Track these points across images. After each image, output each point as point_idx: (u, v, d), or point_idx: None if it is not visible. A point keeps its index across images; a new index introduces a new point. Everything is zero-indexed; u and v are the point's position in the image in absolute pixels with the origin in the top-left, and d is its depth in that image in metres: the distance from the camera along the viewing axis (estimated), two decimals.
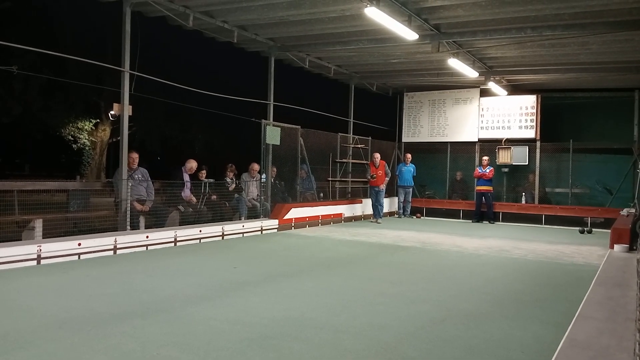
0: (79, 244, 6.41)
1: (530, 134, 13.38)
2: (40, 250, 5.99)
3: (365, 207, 12.78)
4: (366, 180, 12.54)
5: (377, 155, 12.40)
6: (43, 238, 6.47)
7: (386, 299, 4.73)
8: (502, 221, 13.06)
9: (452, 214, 13.79)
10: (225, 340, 3.44)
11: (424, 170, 14.45)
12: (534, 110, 13.36)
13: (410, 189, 13.95)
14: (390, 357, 3.22)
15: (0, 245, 5.77)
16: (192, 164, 9.09)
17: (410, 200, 13.99)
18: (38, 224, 6.49)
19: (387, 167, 12.54)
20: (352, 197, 13.09)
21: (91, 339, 3.39)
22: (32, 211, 6.72)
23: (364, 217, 12.74)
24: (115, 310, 4.11)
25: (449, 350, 3.36)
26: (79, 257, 6.35)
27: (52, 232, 6.64)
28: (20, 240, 6.37)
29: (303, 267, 6.36)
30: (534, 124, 13.35)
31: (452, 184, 14.57)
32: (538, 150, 13.32)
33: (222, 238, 8.53)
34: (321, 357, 3.18)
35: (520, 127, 13.53)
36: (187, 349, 3.26)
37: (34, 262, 5.90)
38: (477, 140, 14.00)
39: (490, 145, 13.74)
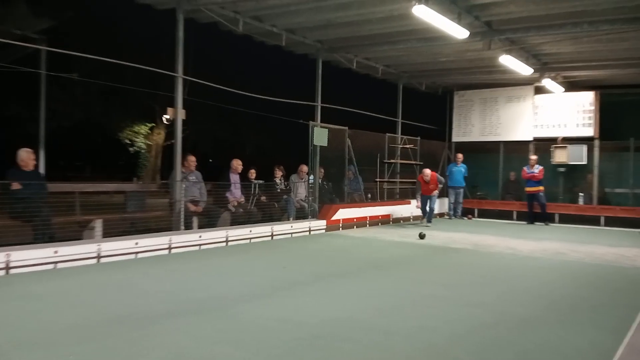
0: (136, 243, 6.67)
1: (588, 132, 12.84)
2: (100, 249, 6.28)
3: (414, 208, 12.63)
4: (414, 181, 12.25)
5: (427, 172, 11.47)
6: (102, 237, 6.77)
7: (437, 302, 4.67)
8: (558, 223, 12.60)
9: (505, 215, 13.40)
10: (276, 339, 3.50)
11: (476, 171, 14.10)
12: (592, 108, 12.82)
13: (462, 190, 13.66)
14: (430, 357, 3.18)
15: (63, 245, 6.09)
16: (237, 163, 9.21)
17: (461, 201, 13.71)
18: (98, 224, 6.79)
19: (439, 177, 11.91)
20: (401, 198, 12.97)
21: (148, 335, 3.53)
22: (92, 212, 7.05)
23: (413, 219, 12.59)
24: (171, 307, 4.25)
25: (502, 355, 3.29)
26: (136, 256, 6.61)
27: (111, 232, 6.94)
28: (81, 239, 6.69)
29: (352, 268, 6.37)
30: (592, 121, 12.81)
31: (505, 184, 14.17)
32: (597, 149, 12.75)
33: (272, 238, 8.66)
34: (370, 359, 3.18)
35: (577, 125, 13.01)
36: (240, 346, 3.34)
37: (94, 260, 6.19)
38: (531, 139, 13.56)
39: (545, 145, 13.27)
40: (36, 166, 6.96)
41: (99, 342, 3.37)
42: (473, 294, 5.04)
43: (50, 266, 5.77)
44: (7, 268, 5.44)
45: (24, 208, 6.16)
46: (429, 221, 11.72)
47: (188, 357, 3.13)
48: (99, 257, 6.25)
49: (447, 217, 13.86)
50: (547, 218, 12.33)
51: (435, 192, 11.74)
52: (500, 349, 3.41)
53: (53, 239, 6.38)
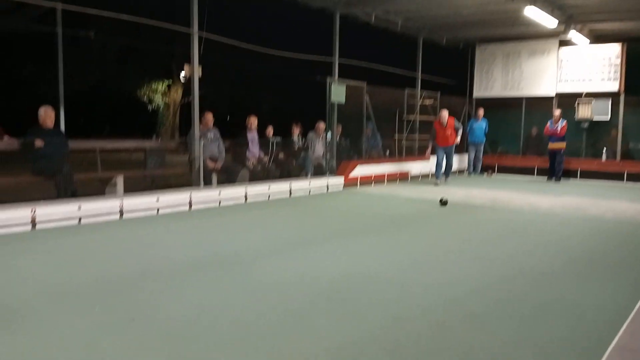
0: (157, 200, 6.78)
1: (614, 86, 12.44)
2: (122, 205, 6.40)
3: (433, 164, 12.50)
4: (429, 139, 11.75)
5: (445, 114, 10.92)
6: (124, 194, 6.89)
7: (454, 257, 4.69)
8: (580, 178, 12.42)
9: (525, 171, 13.23)
10: (295, 293, 3.57)
11: (497, 126, 13.84)
12: (619, 61, 12.37)
13: (482, 146, 13.47)
14: (458, 313, 3.22)
15: (86, 200, 6.22)
16: (252, 120, 9.16)
17: (481, 157, 13.54)
18: (119, 181, 6.91)
19: (457, 122, 11.22)
20: (419, 154, 12.87)
21: (171, 288, 3.63)
22: (113, 169, 7.16)
23: (432, 175, 12.51)
24: (192, 262, 4.35)
25: (518, 308, 3.31)
26: (157, 212, 6.73)
27: (132, 189, 7.06)
28: (104, 195, 6.82)
29: (370, 225, 6.41)
30: (618, 75, 12.39)
31: (526, 140, 13.94)
32: (622, 104, 12.38)
33: (290, 195, 8.72)
34: (388, 311, 3.23)
35: (603, 80, 12.60)
36: (259, 299, 3.42)
37: (117, 216, 6.32)
38: (554, 94, 13.22)
39: (569, 100, 12.93)
40: (56, 124, 7.04)
41: (123, 294, 3.47)
42: (491, 249, 5.04)
43: (75, 221, 5.91)
44: (33, 223, 5.59)
45: (46, 165, 6.28)
46: (447, 176, 11.19)
47: (209, 309, 3.21)
48: (121, 212, 6.37)
49: (467, 173, 13.76)
50: (560, 175, 12.03)
51: (455, 143, 10.97)
52: (517, 303, 3.43)
53: (75, 195, 6.53)
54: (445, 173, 11.24)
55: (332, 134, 10.39)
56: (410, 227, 6.29)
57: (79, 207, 5.99)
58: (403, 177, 11.78)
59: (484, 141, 13.44)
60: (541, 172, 12.81)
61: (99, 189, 6.97)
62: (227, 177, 8.41)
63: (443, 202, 7.67)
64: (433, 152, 11.27)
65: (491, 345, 2.73)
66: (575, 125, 12.59)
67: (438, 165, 11.16)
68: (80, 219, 5.97)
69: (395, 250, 4.95)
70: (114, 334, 2.79)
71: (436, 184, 10.89)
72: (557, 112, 12.12)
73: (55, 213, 5.79)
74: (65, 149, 6.80)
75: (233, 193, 7.82)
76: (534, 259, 4.66)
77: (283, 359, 2.51)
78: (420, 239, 5.49)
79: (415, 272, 4.15)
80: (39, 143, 6.42)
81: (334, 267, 4.26)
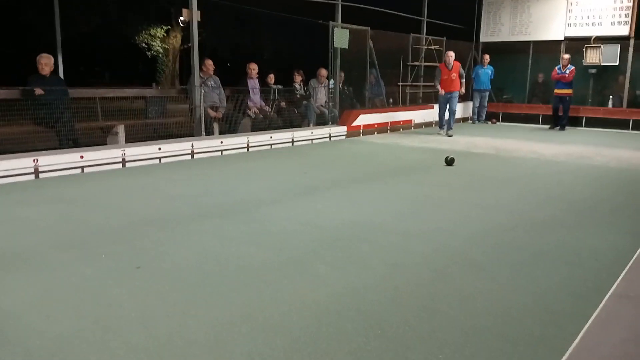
0: (159, 149, 6.78)
1: (624, 30, 12.10)
2: (125, 154, 6.40)
3: (437, 112, 12.36)
4: (432, 85, 11.40)
5: (451, 55, 10.44)
6: (126, 143, 6.88)
7: (456, 205, 4.71)
8: (585, 126, 12.31)
9: (530, 119, 13.12)
10: (297, 240, 3.62)
11: (503, 73, 13.60)
12: (630, 4, 11.97)
13: (487, 93, 13.29)
14: (458, 260, 3.27)
15: (88, 150, 6.22)
16: (252, 67, 8.99)
17: (486, 105, 13.39)
18: (121, 130, 6.87)
19: (462, 69, 10.68)
20: (424, 102, 12.72)
21: (176, 236, 3.68)
22: (114, 117, 7.11)
23: (436, 124, 12.41)
24: (195, 210, 4.39)
25: (518, 256, 3.35)
26: (159, 161, 6.74)
27: (133, 138, 7.03)
28: (106, 144, 6.81)
29: (372, 174, 6.41)
30: (629, 19, 12.02)
31: (532, 87, 13.72)
32: (631, 49, 12.07)
33: (292, 144, 8.69)
34: (389, 258, 3.28)
35: (613, 24, 12.24)
36: (263, 246, 3.47)
37: (120, 165, 6.34)
38: (563, 38, 12.88)
39: (577, 44, 12.61)
40: (56, 72, 6.93)
41: (128, 242, 3.52)
42: (492, 197, 5.06)
43: (77, 171, 5.94)
44: (37, 172, 5.61)
45: (47, 114, 6.23)
46: (450, 128, 10.54)
47: (213, 256, 3.26)
48: (124, 162, 6.38)
49: (471, 121, 13.64)
50: (565, 123, 11.90)
51: (459, 90, 10.39)
52: (517, 250, 3.47)
53: (77, 144, 6.52)
54: (447, 123, 10.65)
55: (334, 82, 10.23)
56: (412, 175, 6.30)
57: (82, 156, 6.00)
58: (407, 126, 11.70)
59: (490, 88, 13.24)
60: (546, 120, 12.70)
61: (100, 138, 6.95)
62: (229, 126, 8.36)
63: (448, 161, 6.87)
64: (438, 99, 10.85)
65: (490, 291, 2.78)
66: (582, 71, 12.35)
67: (440, 115, 10.82)
68: (83, 168, 5.98)
69: (397, 199, 4.98)
70: (121, 281, 2.85)
71: (439, 134, 10.62)
72: (566, 56, 11.83)
73: (58, 162, 5.80)
74: (66, 97, 6.73)
75: (235, 142, 7.80)
76: (535, 207, 4.68)
77: (286, 304, 2.57)
78: (422, 188, 5.51)
79: (415, 220, 4.19)
80: (38, 91, 6.35)
81: (335, 215, 4.29)
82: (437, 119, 11.48)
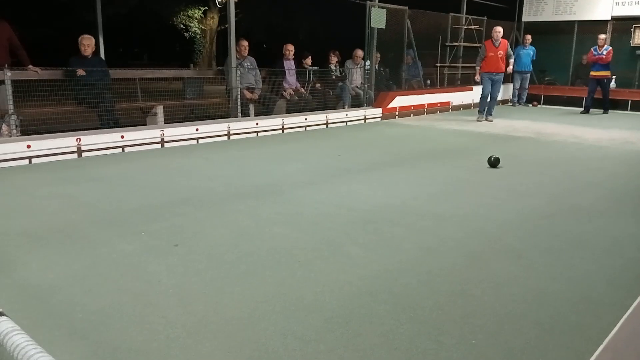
0: (197, 130, 6.88)
1: None
2: (164, 134, 6.53)
3: (476, 94, 12.07)
4: (474, 66, 10.86)
5: (499, 30, 9.54)
6: (165, 123, 7.01)
7: (492, 191, 4.63)
8: (630, 110, 11.83)
9: (573, 102, 12.67)
10: (331, 222, 3.64)
11: (545, 54, 13.13)
12: None
13: (528, 75, 12.89)
14: (493, 247, 3.22)
15: (129, 130, 6.37)
16: (289, 48, 8.95)
17: (527, 87, 13.00)
18: (159, 110, 7.01)
19: (510, 49, 9.92)
20: (462, 84, 12.45)
21: (212, 215, 3.75)
22: (153, 98, 7.25)
23: (474, 106, 12.14)
24: (231, 191, 4.46)
25: (556, 244, 3.28)
26: (197, 142, 6.85)
27: (171, 118, 7.16)
28: (145, 125, 6.96)
29: (406, 157, 6.36)
30: None
31: (575, 69, 13.23)
32: None
33: (327, 126, 8.68)
34: (422, 242, 3.27)
35: None
36: (296, 227, 3.50)
37: (159, 145, 6.47)
38: (609, 18, 12.33)
39: (624, 24, 12.06)
40: (97, 53, 7.09)
41: (166, 220, 3.62)
42: (531, 183, 4.95)
43: (118, 150, 6.10)
44: (79, 152, 5.80)
45: (88, 94, 6.40)
46: (490, 114, 9.83)
47: (249, 235, 3.32)
48: (162, 142, 6.52)
49: (511, 104, 13.29)
50: (607, 106, 11.39)
51: (504, 72, 9.54)
52: (554, 236, 3.40)
53: (118, 124, 6.68)
54: (488, 108, 9.88)
55: (370, 63, 10.11)
56: (447, 159, 6.21)
57: (122, 136, 6.16)
58: (444, 108, 11.50)
59: (531, 70, 12.84)
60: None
61: (140, 119, 7.10)
62: (264, 107, 8.40)
63: (492, 162, 5.58)
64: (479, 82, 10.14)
65: (525, 277, 2.74)
66: (629, 53, 11.83)
67: (483, 97, 9.83)
68: (123, 148, 6.15)
69: (431, 182, 4.93)
70: (159, 258, 2.93)
71: (479, 120, 9.80)
72: (602, 36, 11.24)
73: (100, 142, 5.97)
74: (107, 77, 6.89)
75: (270, 124, 7.84)
76: (574, 193, 4.56)
77: (319, 284, 2.60)
78: (457, 171, 5.43)
79: (450, 204, 4.14)
80: (80, 72, 6.52)
81: (369, 198, 4.29)
82: (476, 101, 11.14)
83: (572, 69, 13.30)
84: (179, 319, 2.24)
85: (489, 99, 9.87)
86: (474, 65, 10.38)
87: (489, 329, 2.19)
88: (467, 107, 12.03)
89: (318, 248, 3.14)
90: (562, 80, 13.48)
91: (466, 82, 12.43)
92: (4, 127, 5.69)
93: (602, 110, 11.39)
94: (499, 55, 9.52)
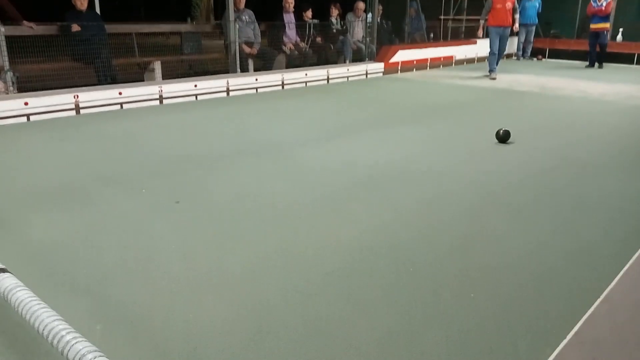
0: (195, 86, 6.79)
1: None
2: (162, 91, 6.45)
3: (480, 48, 11.86)
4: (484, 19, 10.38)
5: None
6: (163, 80, 6.91)
7: (493, 146, 4.60)
8: (637, 64, 11.63)
9: (579, 56, 12.44)
10: (331, 179, 3.63)
11: (551, 6, 12.81)
12: None
13: (533, 28, 12.59)
14: (494, 202, 3.23)
15: (127, 86, 6.29)
16: (288, 0, 8.71)
17: (532, 40, 12.73)
18: (157, 66, 6.90)
19: (517, 3, 9.42)
20: (466, 37, 12.20)
21: (213, 172, 3.74)
22: (151, 53, 7.12)
23: (478, 60, 11.94)
24: (232, 148, 4.44)
25: (557, 199, 3.28)
26: (196, 98, 6.77)
27: (169, 74, 7.06)
28: (143, 81, 6.86)
29: (408, 113, 6.29)
30: None
31: (582, 21, 12.91)
32: None
33: (327, 82, 8.56)
34: (423, 195, 3.27)
35: None
36: (297, 184, 3.50)
37: (157, 102, 6.41)
38: None
39: None
40: (92, 7, 6.92)
41: (167, 177, 3.61)
42: (533, 138, 4.91)
43: (117, 107, 6.04)
44: (77, 108, 5.74)
45: (85, 50, 6.29)
46: (492, 69, 9.27)
47: (250, 192, 3.32)
48: (161, 98, 6.45)
49: (515, 57, 13.06)
50: (602, 60, 11.15)
51: (513, 26, 9.01)
52: (556, 193, 3.39)
53: (115, 80, 6.59)
54: (493, 65, 9.33)
55: (372, 16, 9.87)
56: (449, 115, 6.15)
57: (120, 93, 6.08)
58: (447, 63, 11.31)
59: (537, 22, 12.54)
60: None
61: (137, 74, 7.00)
62: (264, 63, 8.26)
63: (502, 137, 4.68)
64: (486, 34, 9.63)
65: (524, 232, 2.75)
66: (638, 4, 11.51)
67: (492, 53, 9.21)
68: (122, 104, 6.08)
69: (433, 139, 4.89)
70: (161, 215, 2.95)
71: (492, 78, 9.15)
72: None
73: (98, 98, 5.91)
74: (103, 32, 6.74)
75: (270, 79, 7.73)
76: (578, 149, 4.53)
77: (320, 239, 2.62)
78: (459, 129, 5.38)
79: (450, 161, 4.12)
80: (76, 27, 6.38)
81: (370, 154, 4.27)
82: (480, 55, 10.93)
83: (578, 22, 12.98)
84: (182, 274, 2.27)
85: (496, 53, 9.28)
86: (478, 18, 10.03)
87: (488, 283, 2.22)
88: (470, 61, 11.82)
89: (319, 204, 3.14)
90: (568, 34, 13.18)
91: (470, 36, 12.17)
92: (0, 84, 5.62)
93: (597, 64, 11.15)
94: (507, 8, 8.92)
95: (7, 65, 5.56)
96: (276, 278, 2.25)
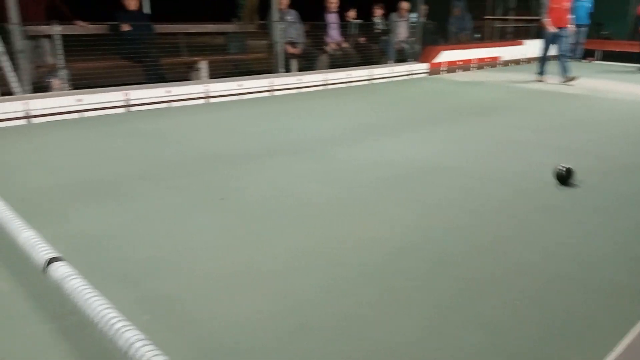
0: (240, 85, 6.90)
1: None
2: (208, 89, 6.58)
3: (527, 49, 11.54)
4: (529, 18, 9.86)
5: None
6: (209, 79, 7.05)
7: (540, 149, 4.48)
8: None
9: (632, 58, 11.94)
10: (367, 179, 3.62)
11: (602, 6, 12.35)
12: None
13: (584, 28, 12.18)
14: (529, 204, 3.15)
15: (175, 85, 6.45)
16: (331, 0, 8.70)
17: (582, 41, 12.30)
18: (203, 66, 7.04)
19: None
20: (513, 38, 11.91)
21: (246, 172, 3.79)
22: (197, 53, 7.27)
23: (524, 61, 11.64)
24: (269, 147, 4.48)
25: (596, 201, 3.18)
26: (240, 97, 6.88)
27: (215, 73, 7.19)
28: (190, 80, 7.02)
29: (451, 113, 6.20)
30: None
31: (636, 22, 12.38)
32: None
33: (370, 82, 8.53)
34: (451, 196, 3.24)
35: None
36: (330, 183, 3.51)
37: (203, 101, 6.54)
38: None
39: None
40: (141, 6, 7.12)
41: (198, 176, 3.69)
42: (578, 142, 4.75)
43: (164, 105, 6.20)
44: (127, 106, 5.93)
45: (134, 49, 6.48)
46: (566, 72, 8.43)
47: (282, 192, 3.35)
48: (207, 97, 6.58)
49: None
50: None
51: (569, 28, 8.34)
52: (594, 194, 3.29)
53: (163, 79, 6.76)
54: (560, 67, 8.54)
55: (417, 16, 9.77)
56: (492, 116, 6.02)
57: (168, 91, 6.24)
58: (492, 63, 11.08)
59: (588, 23, 12.12)
60: None
61: (184, 74, 7.16)
62: (307, 63, 8.31)
63: (564, 177, 3.53)
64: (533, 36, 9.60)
65: (572, 237, 2.67)
66: None
67: (542, 55, 8.70)
68: (169, 102, 6.24)
69: (475, 140, 4.80)
70: (202, 212, 3.01)
71: (540, 81, 8.63)
72: None
73: (147, 97, 6.08)
74: (151, 32, 6.93)
75: (313, 79, 7.77)
76: (624, 154, 4.36)
77: (352, 238, 2.62)
78: (504, 129, 5.26)
79: (493, 163, 4.04)
80: (125, 27, 6.58)
81: (409, 155, 4.23)
82: (527, 56, 10.67)
83: (632, 23, 12.46)
84: (223, 270, 2.32)
85: (547, 55, 8.71)
86: (525, 17, 9.76)
87: (534, 290, 2.16)
88: (516, 62, 11.54)
89: (354, 203, 3.14)
90: (621, 34, 12.67)
91: (517, 36, 11.89)
92: (57, 81, 5.86)
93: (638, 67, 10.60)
94: (564, 8, 8.25)
95: (62, 63, 5.80)
96: (313, 276, 2.26)
